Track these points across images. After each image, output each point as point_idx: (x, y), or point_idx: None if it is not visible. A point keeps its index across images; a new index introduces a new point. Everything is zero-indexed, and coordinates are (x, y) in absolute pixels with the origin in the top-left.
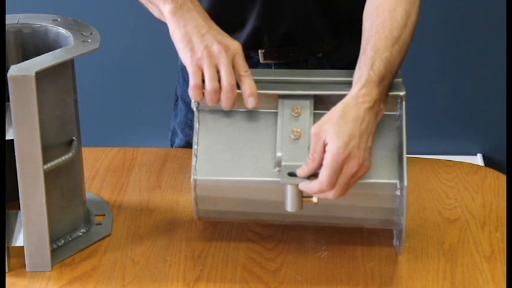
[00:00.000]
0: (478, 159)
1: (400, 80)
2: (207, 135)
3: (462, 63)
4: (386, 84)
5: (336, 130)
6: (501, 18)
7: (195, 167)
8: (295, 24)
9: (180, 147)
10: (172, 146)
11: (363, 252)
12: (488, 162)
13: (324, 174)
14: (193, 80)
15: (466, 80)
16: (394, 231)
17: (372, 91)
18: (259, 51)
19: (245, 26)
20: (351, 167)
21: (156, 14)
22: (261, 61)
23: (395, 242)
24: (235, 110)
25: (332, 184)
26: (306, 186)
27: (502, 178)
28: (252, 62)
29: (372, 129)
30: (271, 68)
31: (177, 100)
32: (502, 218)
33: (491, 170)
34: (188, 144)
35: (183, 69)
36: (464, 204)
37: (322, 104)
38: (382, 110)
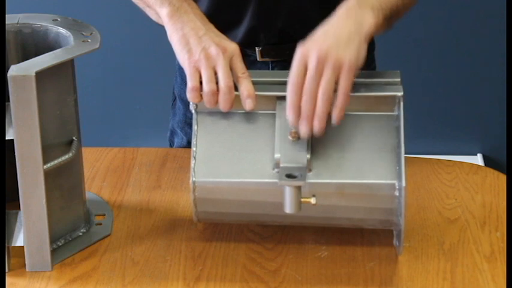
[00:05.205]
0: (478, 159)
1: (398, 80)
2: (206, 137)
3: (462, 63)
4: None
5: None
6: (501, 18)
7: (193, 169)
8: (291, 22)
9: (182, 146)
10: (171, 146)
11: (363, 252)
12: (488, 162)
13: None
14: (191, 82)
15: (466, 80)
16: (394, 231)
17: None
18: (256, 49)
19: (242, 24)
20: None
21: (153, 17)
22: (258, 59)
23: (395, 242)
24: (234, 112)
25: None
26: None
27: (502, 178)
28: (249, 60)
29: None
30: (269, 65)
31: (175, 100)
32: (502, 218)
33: (491, 170)
34: (189, 144)
35: (181, 68)
36: (464, 204)
37: None
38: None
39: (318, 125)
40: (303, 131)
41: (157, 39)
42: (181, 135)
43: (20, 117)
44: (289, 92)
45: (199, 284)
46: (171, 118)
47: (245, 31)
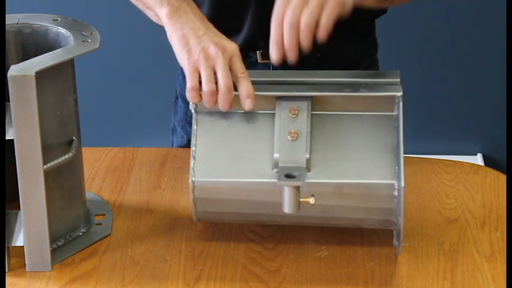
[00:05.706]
0: (478, 159)
1: (398, 80)
2: (205, 137)
3: (462, 63)
4: None
5: None
6: (501, 18)
7: (193, 169)
8: None
9: (181, 145)
10: (172, 143)
11: (363, 252)
12: (488, 162)
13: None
14: (190, 82)
15: (466, 80)
16: (394, 231)
17: None
18: (257, 52)
19: (241, 32)
20: None
21: (153, 18)
22: (259, 60)
23: (395, 241)
24: (233, 112)
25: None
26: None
27: (502, 178)
28: (250, 62)
29: None
30: (269, 67)
31: (177, 98)
32: (502, 218)
33: (491, 170)
34: (189, 142)
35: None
36: (464, 204)
37: (320, 105)
38: None
39: (291, 54)
40: (273, 56)
41: (157, 39)
42: (181, 134)
43: (20, 117)
44: (272, 27)
45: (199, 284)
46: (172, 116)
47: (244, 39)
